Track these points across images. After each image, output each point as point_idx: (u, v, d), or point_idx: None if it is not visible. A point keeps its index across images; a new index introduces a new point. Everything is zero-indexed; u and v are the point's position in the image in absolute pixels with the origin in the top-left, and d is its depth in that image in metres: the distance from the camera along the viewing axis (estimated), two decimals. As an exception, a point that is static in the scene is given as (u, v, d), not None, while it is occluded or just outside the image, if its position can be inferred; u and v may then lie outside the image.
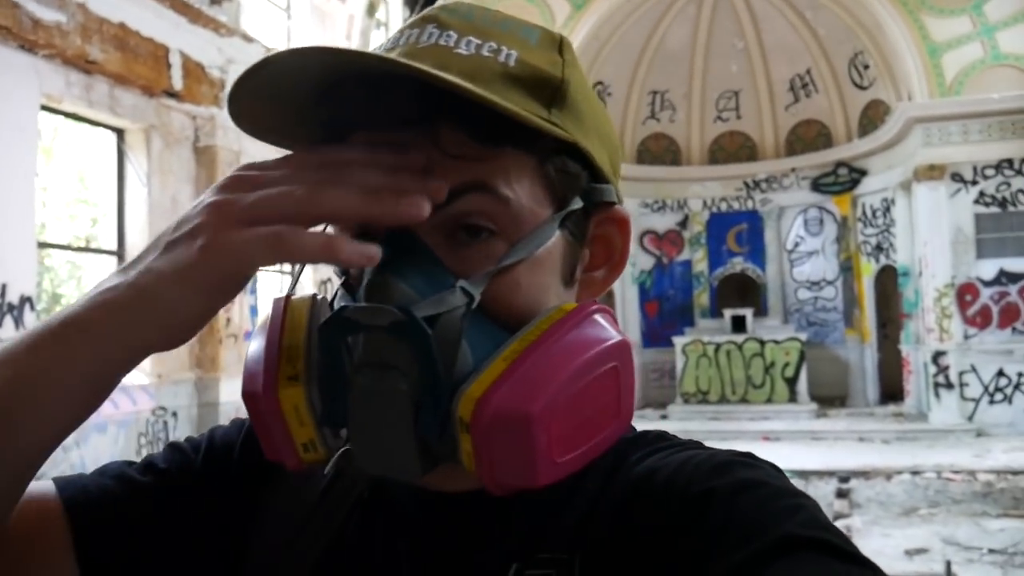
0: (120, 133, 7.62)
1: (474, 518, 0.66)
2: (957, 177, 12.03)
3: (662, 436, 0.71)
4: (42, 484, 0.71)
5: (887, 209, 13.93)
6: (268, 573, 0.72)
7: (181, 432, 7.72)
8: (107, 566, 0.70)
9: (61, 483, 0.72)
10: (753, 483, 0.61)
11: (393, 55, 0.59)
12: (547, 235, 0.63)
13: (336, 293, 0.65)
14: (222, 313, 8.06)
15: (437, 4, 0.65)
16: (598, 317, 0.62)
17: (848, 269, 15.12)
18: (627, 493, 0.63)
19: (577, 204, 0.65)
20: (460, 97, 0.55)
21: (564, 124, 0.63)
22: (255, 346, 0.64)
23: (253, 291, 8.79)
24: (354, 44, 10.66)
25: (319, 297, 0.68)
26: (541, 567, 0.64)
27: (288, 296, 0.67)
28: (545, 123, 0.60)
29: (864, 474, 9.27)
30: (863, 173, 14.42)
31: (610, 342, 0.60)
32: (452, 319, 0.58)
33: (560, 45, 0.66)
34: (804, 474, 9.09)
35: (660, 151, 16.10)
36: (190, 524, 0.73)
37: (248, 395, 0.61)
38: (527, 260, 0.62)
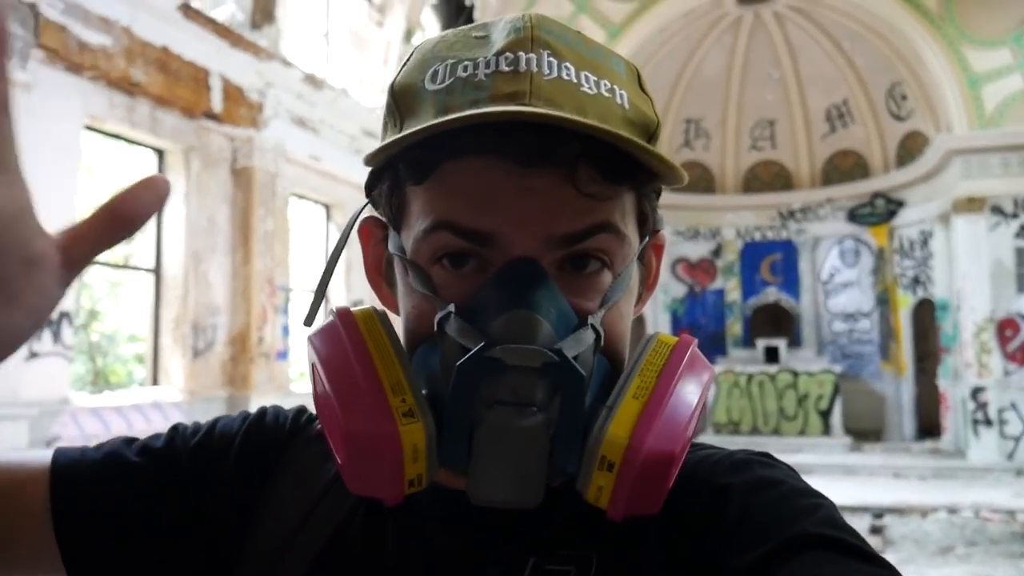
0: (160, 153, 7.78)
1: (494, 513, 0.65)
2: (997, 210, 11.84)
3: None
4: (43, 453, 0.73)
5: (925, 241, 13.73)
6: (269, 567, 0.71)
7: (210, 449, 7.77)
8: (81, 539, 0.70)
9: (58, 453, 0.73)
10: (770, 481, 0.62)
11: (520, 84, 0.59)
12: (634, 266, 0.67)
13: (446, 317, 0.61)
14: (254, 332, 8.14)
15: (532, 18, 0.63)
16: (697, 350, 0.65)
17: (884, 301, 14.89)
18: None
19: (649, 234, 0.70)
20: (594, 138, 0.57)
21: None
22: (340, 373, 0.60)
23: (285, 310, 8.87)
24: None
25: (380, 310, 0.67)
26: (560, 562, 0.64)
27: (349, 310, 0.65)
28: (679, 168, 0.62)
29: (899, 511, 9.06)
30: (900, 204, 14.24)
31: (710, 376, 0.64)
32: (587, 357, 0.60)
33: (639, 78, 0.67)
34: (837, 509, 8.90)
35: (694, 179, 16.04)
36: (173, 509, 0.72)
37: (356, 434, 0.58)
38: (626, 292, 0.65)
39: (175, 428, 0.79)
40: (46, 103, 6.13)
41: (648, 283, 0.74)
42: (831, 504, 0.61)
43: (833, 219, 15.30)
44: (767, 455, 0.68)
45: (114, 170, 11.70)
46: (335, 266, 0.72)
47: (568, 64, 0.61)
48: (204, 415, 7.75)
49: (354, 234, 0.74)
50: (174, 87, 7.35)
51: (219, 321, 8.00)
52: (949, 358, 12.74)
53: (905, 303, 14.35)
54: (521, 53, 0.60)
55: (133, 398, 7.27)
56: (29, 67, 5.97)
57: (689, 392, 0.61)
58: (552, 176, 0.59)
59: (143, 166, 8.27)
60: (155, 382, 7.65)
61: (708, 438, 13.90)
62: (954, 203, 12.07)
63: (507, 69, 0.60)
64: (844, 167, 15.24)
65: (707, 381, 0.63)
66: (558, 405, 0.57)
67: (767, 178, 15.94)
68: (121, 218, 0.43)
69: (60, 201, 6.32)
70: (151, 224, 6.33)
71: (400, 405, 0.58)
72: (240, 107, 8.18)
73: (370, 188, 0.69)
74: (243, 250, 8.24)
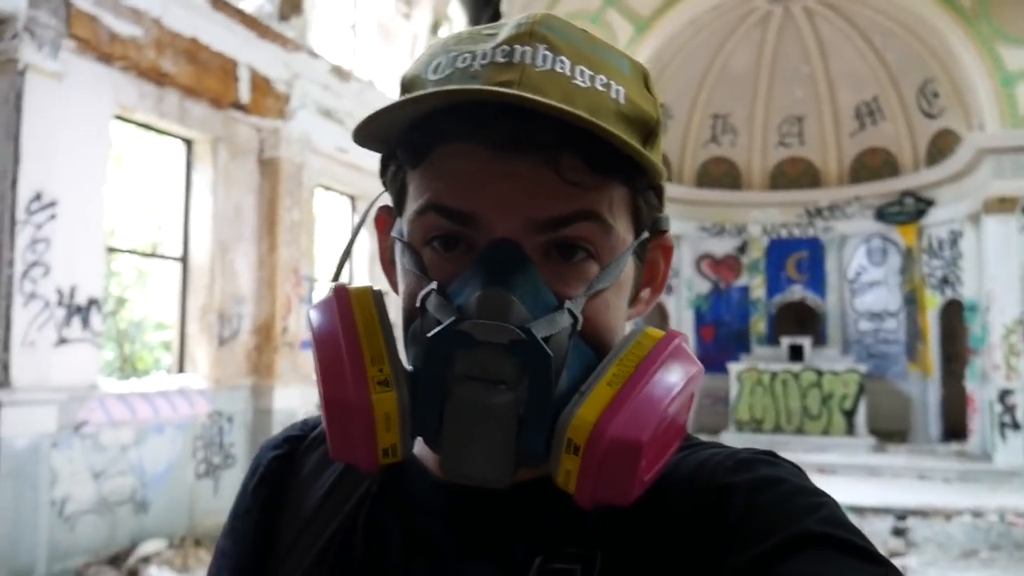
0: (188, 143, 7.85)
1: (500, 511, 0.67)
2: (1029, 210, 11.64)
3: (686, 437, 0.72)
4: None
5: (954, 241, 13.54)
6: (277, 565, 0.74)
7: (236, 436, 7.86)
8: None
9: None
10: (774, 480, 0.62)
11: (511, 73, 0.61)
12: (627, 260, 0.67)
13: (428, 295, 0.64)
14: (279, 321, 8.21)
15: (536, 16, 0.65)
16: (684, 345, 0.66)
17: (912, 301, 14.71)
18: (650, 490, 0.64)
19: (646, 233, 0.70)
20: (582, 128, 0.58)
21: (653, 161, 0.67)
22: (326, 342, 0.63)
23: (309, 300, 8.93)
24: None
25: (377, 290, 0.69)
26: (565, 561, 0.65)
27: (346, 287, 0.68)
28: (659, 166, 0.65)
29: (923, 513, 8.97)
30: (930, 203, 14.05)
31: (695, 372, 0.64)
32: (561, 340, 0.61)
33: (646, 79, 0.69)
34: (860, 510, 8.84)
35: (720, 175, 15.94)
36: None
37: (333, 400, 0.60)
38: (614, 284, 0.66)
39: (213, 555, 0.81)
40: (77, 93, 6.21)
41: (655, 285, 0.75)
42: (834, 503, 0.61)
43: (861, 217, 15.13)
44: (771, 454, 0.68)
45: (143, 160, 11.83)
46: (354, 243, 0.75)
47: (564, 58, 0.63)
48: (229, 403, 7.86)
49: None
50: (203, 78, 7.41)
51: (244, 310, 8.07)
52: (977, 360, 12.56)
53: (933, 303, 14.16)
54: (517, 46, 0.62)
55: (160, 385, 7.37)
56: (60, 57, 6.04)
57: (667, 384, 0.61)
58: (534, 161, 0.60)
59: (172, 156, 8.35)
60: (181, 369, 7.74)
61: (730, 436, 13.84)
62: (985, 203, 11.88)
63: (501, 60, 0.62)
64: (873, 165, 15.06)
65: (692, 376, 0.63)
66: (527, 385, 0.59)
67: (794, 175, 15.79)
68: None
69: (90, 190, 6.40)
70: (179, 213, 6.41)
71: (377, 375, 0.60)
72: (267, 98, 8.23)
73: (383, 173, 0.72)
74: (269, 240, 8.30)
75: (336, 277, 0.73)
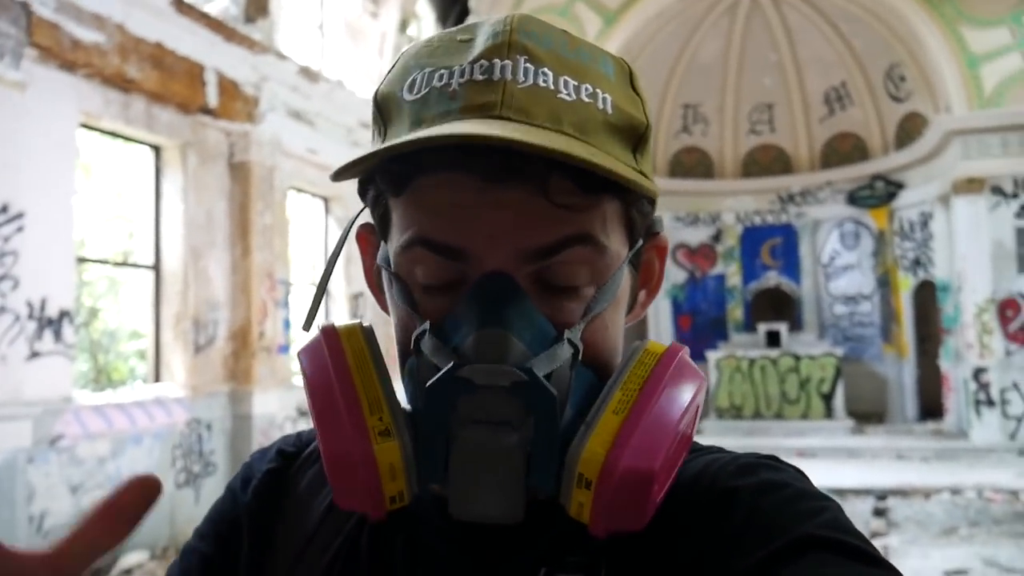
0: (157, 150, 7.76)
1: (504, 528, 0.65)
2: (997, 190, 11.80)
3: None
4: None
5: (925, 223, 13.71)
6: None
7: (216, 443, 7.80)
8: None
9: None
10: (776, 484, 0.62)
11: (493, 94, 0.58)
12: (623, 274, 0.65)
13: (422, 335, 0.62)
14: (255, 326, 8.15)
15: (512, 21, 0.62)
16: (686, 359, 0.63)
17: (885, 284, 14.89)
18: None
19: (641, 241, 0.68)
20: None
21: (644, 168, 0.65)
22: (321, 392, 0.61)
23: (285, 304, 8.88)
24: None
25: (367, 327, 0.67)
26: (569, 571, 0.64)
27: (334, 327, 0.66)
28: (647, 181, 0.62)
29: (902, 492, 9.10)
30: (900, 186, 14.22)
31: (699, 385, 0.62)
32: (563, 373, 0.60)
33: (631, 76, 0.66)
34: (840, 492, 8.93)
35: (693, 164, 16.02)
36: None
37: (334, 454, 0.59)
38: (612, 302, 0.64)
39: (181, 553, 0.79)
40: (40, 102, 6.11)
41: (650, 287, 0.73)
42: (837, 507, 0.60)
43: (833, 202, 15.28)
44: (774, 458, 0.67)
45: (111, 168, 11.68)
46: (330, 275, 0.72)
47: (546, 69, 0.60)
48: (207, 410, 7.80)
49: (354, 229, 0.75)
50: (169, 83, 7.32)
51: (220, 316, 8.00)
52: (951, 339, 12.75)
53: (906, 285, 14.34)
54: (496, 60, 0.60)
55: (136, 395, 7.29)
56: (22, 66, 5.94)
57: (673, 404, 0.59)
58: (523, 189, 0.58)
59: (140, 163, 8.25)
60: (157, 378, 7.66)
61: (711, 423, 13.95)
62: (954, 184, 12.04)
63: (480, 78, 0.59)
64: (843, 150, 15.21)
65: (697, 390, 0.61)
66: (532, 423, 0.57)
67: (766, 162, 15.91)
68: (116, 520, 0.42)
69: (58, 201, 6.31)
70: (150, 220, 6.30)
71: (377, 424, 0.58)
72: (236, 101, 8.15)
73: (362, 194, 0.69)
74: (242, 245, 8.23)
75: (312, 315, 0.70)
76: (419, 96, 0.61)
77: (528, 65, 0.60)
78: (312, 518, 0.74)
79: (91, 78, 6.62)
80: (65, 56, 6.30)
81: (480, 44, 0.61)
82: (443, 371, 0.57)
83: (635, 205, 0.65)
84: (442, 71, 0.61)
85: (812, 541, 0.55)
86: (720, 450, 0.70)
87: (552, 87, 0.59)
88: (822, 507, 0.59)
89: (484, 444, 0.57)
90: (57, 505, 6.08)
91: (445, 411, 0.57)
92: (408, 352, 0.64)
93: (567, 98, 0.60)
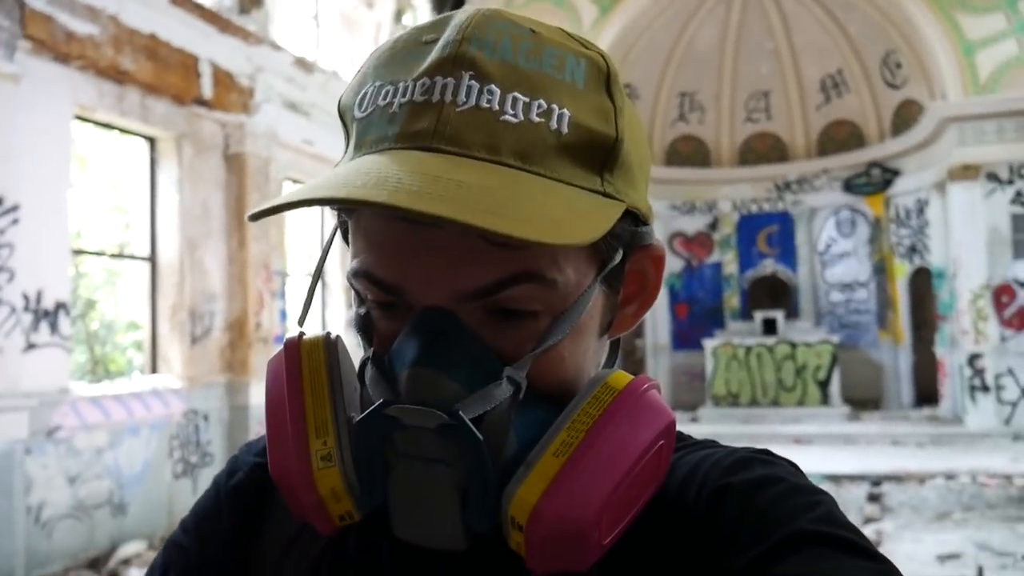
0: (152, 141, 7.76)
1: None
2: (992, 177, 11.82)
3: (678, 436, 0.69)
4: None
5: (921, 210, 13.74)
6: None
7: (213, 434, 7.84)
8: None
9: None
10: (770, 479, 0.61)
11: (428, 119, 0.56)
12: (588, 299, 0.61)
13: (364, 365, 0.61)
14: (252, 317, 8.18)
15: (468, 27, 0.58)
16: (650, 395, 0.60)
17: (881, 271, 14.92)
18: None
19: (618, 257, 0.63)
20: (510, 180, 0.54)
21: (617, 185, 0.60)
22: (274, 410, 0.62)
23: (282, 295, 8.90)
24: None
25: (334, 337, 0.66)
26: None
27: (300, 338, 0.66)
28: (596, 230, 0.56)
29: (897, 478, 9.15)
30: (896, 173, 14.23)
31: (660, 427, 0.58)
32: (499, 413, 0.57)
33: (608, 80, 0.61)
34: (836, 478, 8.99)
35: (689, 153, 16.02)
36: None
37: (279, 472, 0.60)
38: (571, 333, 0.60)
39: (169, 547, 0.78)
40: (35, 94, 6.12)
41: (644, 297, 0.69)
42: (831, 500, 0.60)
43: (829, 189, 15.30)
44: (767, 452, 0.65)
45: (107, 159, 11.68)
46: (323, 266, 0.70)
47: (493, 87, 0.56)
48: (204, 401, 7.82)
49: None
50: (163, 74, 7.32)
51: (216, 307, 8.03)
52: (946, 326, 12.79)
53: (902, 272, 14.37)
54: (438, 79, 0.56)
55: (133, 386, 7.32)
56: (16, 58, 5.94)
57: (624, 448, 0.56)
58: (456, 229, 0.53)
59: (135, 154, 8.26)
60: (154, 370, 7.69)
61: (707, 411, 14.00)
62: (949, 171, 12.06)
63: (420, 100, 0.56)
64: (839, 137, 15.21)
65: (660, 432, 0.57)
66: (464, 465, 0.56)
67: (762, 150, 15.91)
68: None
69: (53, 193, 6.32)
70: (145, 212, 6.33)
71: (320, 447, 0.59)
72: (231, 92, 8.15)
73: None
74: (238, 236, 8.25)
75: (306, 310, 0.69)
76: (365, 115, 0.60)
77: (472, 83, 0.56)
78: (293, 524, 0.73)
79: (85, 70, 6.62)
80: (59, 48, 6.30)
81: (432, 54, 0.58)
82: (372, 408, 0.57)
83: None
84: (388, 88, 0.59)
85: (807, 536, 0.55)
86: (713, 443, 0.69)
87: (496, 108, 0.56)
88: (816, 501, 0.59)
89: (418, 479, 0.57)
90: (55, 496, 6.12)
91: (378, 443, 0.58)
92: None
93: (512, 119, 0.56)
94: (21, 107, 5.99)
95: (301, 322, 0.68)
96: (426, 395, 0.55)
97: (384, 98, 0.58)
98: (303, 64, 9.04)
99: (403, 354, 0.57)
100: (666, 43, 15.06)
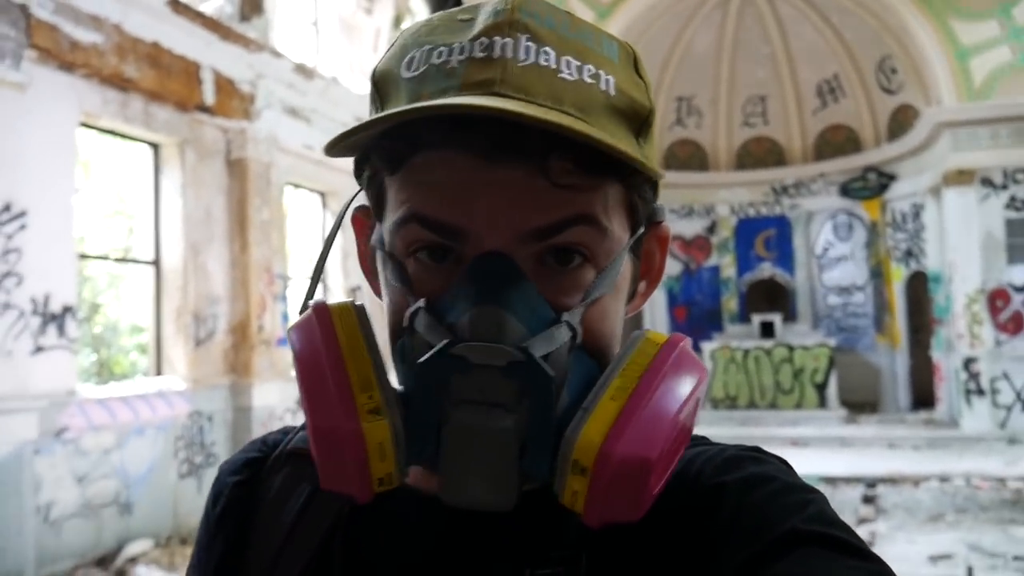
0: (155, 147, 7.88)
1: (487, 525, 0.63)
2: (987, 182, 11.91)
3: None
4: None
5: (917, 214, 13.83)
6: None
7: (217, 435, 7.94)
8: None
9: None
10: (762, 478, 0.61)
11: (492, 71, 0.57)
12: (623, 261, 0.63)
13: (416, 313, 0.60)
14: (254, 320, 8.28)
15: (509, 1, 0.60)
16: (688, 349, 0.62)
17: (878, 275, 15.01)
18: None
19: (643, 229, 0.66)
20: (570, 127, 0.54)
21: (647, 153, 0.64)
22: (310, 369, 0.59)
23: (284, 298, 9.01)
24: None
25: (359, 305, 0.65)
26: (551, 566, 0.63)
27: (326, 305, 0.64)
28: (650, 164, 0.60)
29: (892, 480, 9.21)
30: (892, 178, 14.32)
31: (702, 376, 0.60)
32: (560, 356, 0.58)
33: (636, 63, 0.65)
34: (831, 480, 9.06)
35: (687, 157, 16.12)
36: None
37: (322, 431, 0.57)
38: (612, 288, 0.63)
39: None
40: (41, 102, 6.23)
41: (651, 277, 0.71)
42: (823, 499, 0.60)
43: (826, 193, 15.39)
44: (758, 450, 0.66)
45: (110, 165, 11.78)
46: (327, 257, 0.71)
47: (548, 48, 0.58)
48: (208, 402, 7.93)
49: (348, 220, 0.74)
50: (166, 81, 7.43)
51: (219, 310, 8.14)
52: (942, 329, 12.87)
53: (898, 276, 14.46)
54: (497, 38, 0.58)
55: (138, 388, 7.43)
56: (23, 67, 6.06)
57: (673, 394, 0.58)
58: (522, 168, 0.57)
59: (139, 160, 8.37)
60: (159, 372, 7.80)
61: (705, 413, 14.06)
62: (944, 176, 12.15)
63: (480, 55, 0.58)
64: (836, 141, 15.31)
65: (698, 382, 0.60)
66: (528, 406, 0.56)
67: (760, 154, 16.01)
68: None
69: (59, 199, 6.43)
70: (149, 217, 6.42)
71: (366, 402, 0.57)
72: (232, 99, 8.26)
73: (357, 174, 0.67)
74: (240, 240, 8.36)
75: (312, 293, 0.69)
76: (417, 73, 0.60)
77: (529, 44, 0.58)
78: (284, 524, 0.72)
79: (90, 78, 6.73)
80: (64, 57, 6.42)
81: (481, 22, 0.60)
82: (436, 348, 0.56)
83: (637, 190, 0.64)
84: (441, 48, 0.59)
85: (799, 536, 0.55)
86: (705, 441, 0.70)
87: (553, 66, 0.58)
88: (808, 500, 0.59)
89: (477, 425, 0.55)
90: (64, 495, 6.23)
91: (437, 389, 0.56)
92: (400, 332, 0.62)
93: (568, 78, 0.58)
94: (28, 115, 6.10)
95: (311, 294, 0.68)
96: (494, 333, 0.55)
97: (439, 57, 0.59)
98: (303, 70, 9.16)
99: (463, 296, 0.57)
100: (663, 47, 15.17)
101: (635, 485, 0.55)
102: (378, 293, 0.69)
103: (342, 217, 0.72)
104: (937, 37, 11.86)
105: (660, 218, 0.69)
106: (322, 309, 0.63)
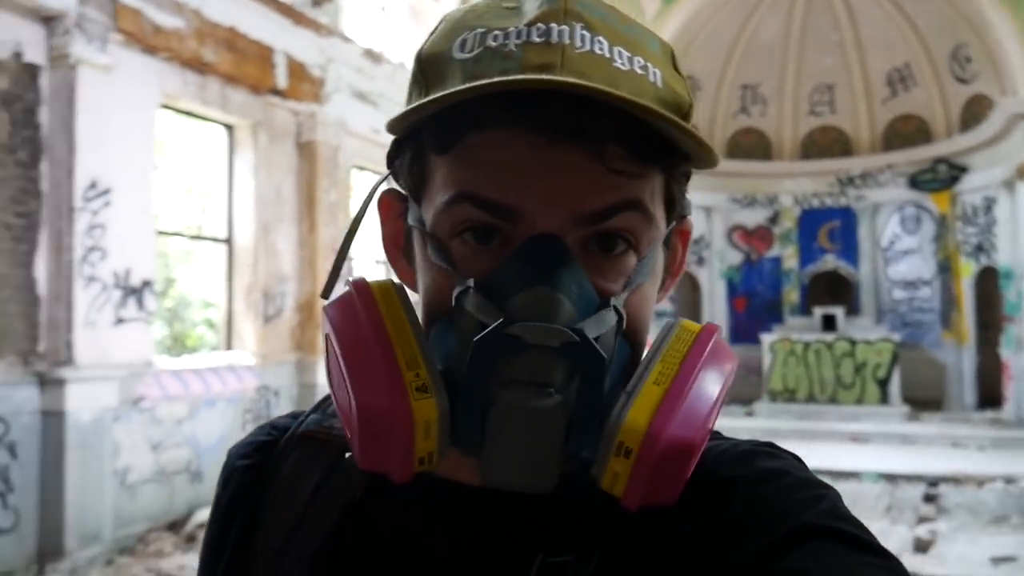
0: (230, 129, 8.13)
1: (503, 511, 0.64)
2: (1063, 176, 11.54)
3: None
4: None
5: (988, 208, 13.43)
6: None
7: (283, 409, 8.17)
8: None
9: None
10: (775, 472, 0.62)
11: (551, 56, 0.57)
12: (659, 250, 0.65)
13: (464, 292, 0.59)
14: (320, 299, 8.49)
15: None
16: (722, 340, 0.63)
17: (946, 269, 14.64)
18: None
19: (675, 221, 0.67)
20: (626, 115, 0.55)
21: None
22: (354, 345, 0.59)
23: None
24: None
25: (398, 283, 0.65)
26: (563, 554, 0.63)
27: (366, 282, 0.63)
28: (714, 153, 0.61)
29: (955, 480, 9.02)
30: (963, 170, 13.94)
31: (735, 364, 0.62)
32: (609, 339, 0.59)
33: (674, 59, 0.65)
34: (891, 477, 8.93)
35: (751, 145, 15.91)
36: None
37: (368, 408, 0.56)
38: (651, 276, 0.64)
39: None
40: (125, 84, 6.49)
41: (672, 270, 0.71)
42: (836, 494, 0.61)
43: (894, 185, 15.05)
44: (772, 445, 0.67)
45: (184, 143, 12.17)
46: (353, 238, 0.71)
47: (601, 38, 0.59)
48: (275, 378, 8.17)
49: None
50: (242, 65, 7.66)
51: (287, 288, 8.38)
52: (1012, 327, 12.51)
53: (967, 271, 14.09)
54: (553, 24, 0.58)
55: (210, 361, 7.72)
56: (109, 50, 6.31)
57: (711, 381, 0.59)
58: (579, 153, 0.57)
59: (214, 141, 8.64)
60: (229, 346, 8.08)
61: (763, 406, 13.94)
62: (1019, 169, 11.79)
63: (538, 40, 0.58)
64: (905, 132, 14.95)
65: (730, 372, 0.61)
66: (576, 387, 0.56)
67: (825, 144, 15.72)
68: None
69: (140, 177, 6.70)
70: (223, 196, 6.67)
71: (414, 380, 0.56)
72: (303, 83, 8.46)
73: (392, 159, 0.68)
74: (308, 220, 8.59)
75: (332, 282, 0.69)
76: (472, 55, 0.59)
77: (584, 32, 0.59)
78: (296, 506, 0.71)
79: (171, 61, 6.99)
80: (147, 40, 6.67)
81: (533, 9, 0.60)
82: (492, 327, 0.55)
83: (676, 181, 0.65)
84: (496, 32, 0.59)
85: (811, 530, 0.56)
86: (718, 435, 0.69)
87: (608, 55, 0.59)
88: (821, 495, 0.59)
89: (526, 406, 0.55)
90: (139, 461, 6.53)
91: (489, 369, 0.56)
92: (440, 313, 0.62)
93: (622, 67, 0.59)
94: (113, 96, 6.36)
95: (326, 294, 0.69)
96: (549, 314, 0.55)
97: (495, 40, 0.59)
98: (371, 55, 9.32)
99: (515, 277, 0.57)
100: (729, 35, 14.98)
101: (678, 468, 0.56)
102: (404, 278, 0.69)
103: (369, 199, 0.70)
104: (1014, 25, 11.49)
105: (687, 212, 0.69)
106: (363, 286, 0.62)
